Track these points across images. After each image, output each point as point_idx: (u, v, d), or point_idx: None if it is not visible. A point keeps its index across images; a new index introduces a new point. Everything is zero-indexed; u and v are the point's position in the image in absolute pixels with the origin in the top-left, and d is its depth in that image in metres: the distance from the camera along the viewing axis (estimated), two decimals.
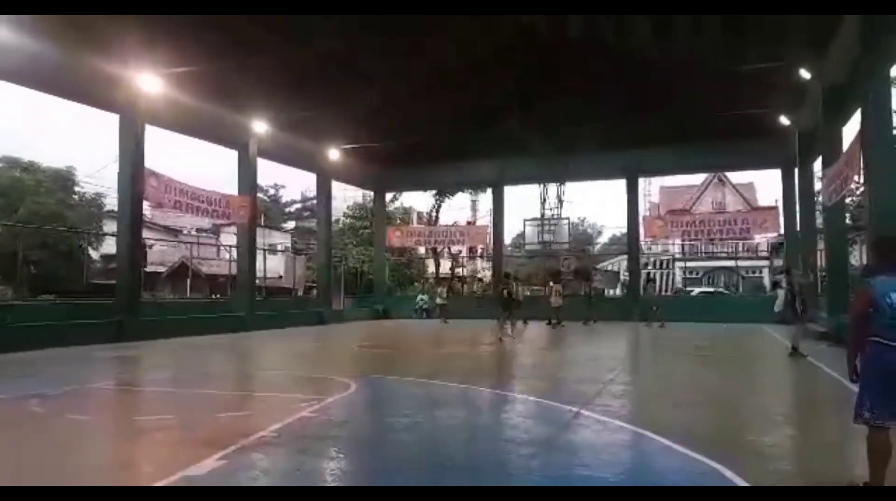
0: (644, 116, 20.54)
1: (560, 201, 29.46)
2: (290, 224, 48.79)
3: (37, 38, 13.99)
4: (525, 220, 29.17)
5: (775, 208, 26.41)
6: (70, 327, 14.74)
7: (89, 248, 26.74)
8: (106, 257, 27.03)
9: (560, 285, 22.52)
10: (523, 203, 69.92)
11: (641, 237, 27.31)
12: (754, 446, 5.36)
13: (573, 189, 53.04)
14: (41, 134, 58.53)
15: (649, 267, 38.49)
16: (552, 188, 28.63)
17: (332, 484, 4.44)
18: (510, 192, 29.33)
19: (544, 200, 28.64)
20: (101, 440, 5.90)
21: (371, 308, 28.05)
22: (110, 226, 24.74)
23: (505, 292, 17.87)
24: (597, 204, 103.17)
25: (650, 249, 40.68)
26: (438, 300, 26.71)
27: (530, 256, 37.88)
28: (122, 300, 16.60)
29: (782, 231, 24.53)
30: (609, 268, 43.09)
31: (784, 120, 20.09)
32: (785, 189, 23.76)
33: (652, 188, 50.44)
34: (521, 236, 37.57)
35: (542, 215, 28.04)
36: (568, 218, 29.38)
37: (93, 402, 7.67)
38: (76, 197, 26.96)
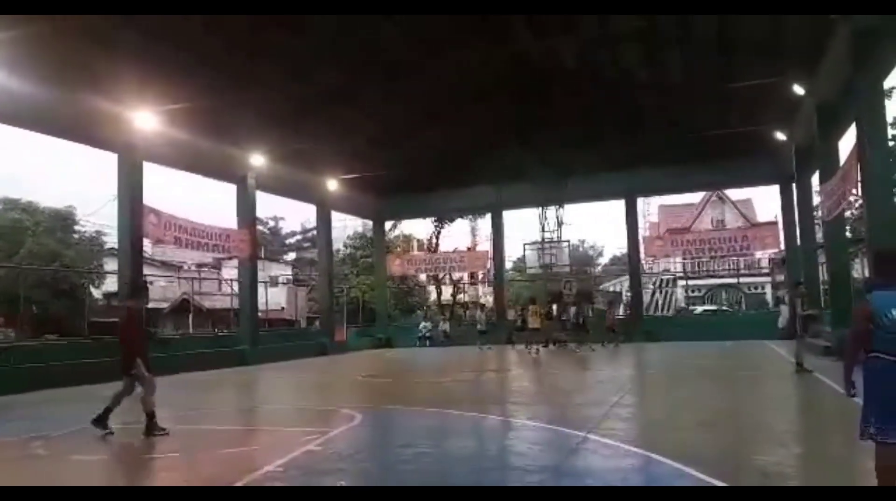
0: (640, 138, 20.74)
1: (559, 224, 29.52)
2: (291, 255, 48.89)
3: (33, 79, 14.17)
4: (525, 244, 29.20)
5: (775, 223, 26.50)
6: (73, 366, 14.68)
7: (90, 286, 26.74)
8: (108, 295, 27.02)
9: (538, 307, 21.98)
10: (523, 227, 70.05)
11: (642, 257, 27.31)
12: (761, 465, 5.32)
13: (572, 211, 53.25)
14: (39, 174, 58.98)
15: (616, 287, 38.54)
16: (551, 211, 28.71)
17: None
18: (509, 216, 29.54)
19: (543, 223, 28.69)
20: (107, 481, 5.85)
21: (373, 338, 27.95)
22: (111, 264, 24.80)
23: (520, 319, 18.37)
24: (596, 225, 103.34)
25: (651, 268, 40.69)
26: (427, 333, 26.65)
27: (532, 279, 37.88)
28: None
29: (783, 247, 24.55)
30: (612, 289, 43.04)
31: (780, 136, 20.25)
32: (784, 204, 23.86)
33: (651, 208, 50.61)
34: (522, 259, 37.63)
35: (542, 238, 28.01)
36: (568, 240, 29.37)
37: (97, 443, 7.63)
38: (76, 236, 27.05)
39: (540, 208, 28.39)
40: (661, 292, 39.59)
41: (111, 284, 24.46)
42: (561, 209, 29.15)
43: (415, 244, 42.20)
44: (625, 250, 29.69)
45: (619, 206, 26.59)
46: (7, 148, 57.71)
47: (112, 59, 13.68)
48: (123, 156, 16.83)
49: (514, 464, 5.88)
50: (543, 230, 28.47)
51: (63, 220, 26.29)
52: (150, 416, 7.45)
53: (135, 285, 8.63)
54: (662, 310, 37.97)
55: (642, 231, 31.69)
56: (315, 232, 31.37)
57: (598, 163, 23.08)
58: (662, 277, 40.79)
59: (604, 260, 60.91)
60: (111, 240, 25.46)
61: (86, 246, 27.14)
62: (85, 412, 9.53)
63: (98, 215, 39.00)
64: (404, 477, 5.42)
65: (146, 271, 20.34)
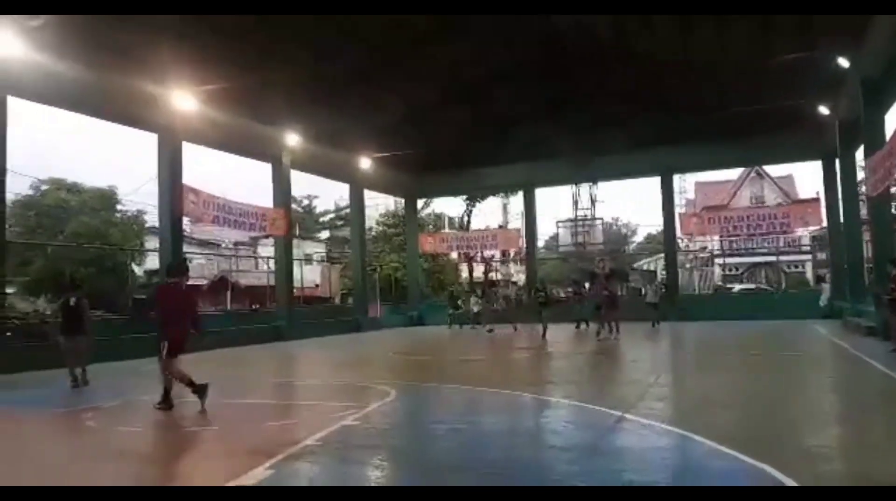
0: (676, 113, 20.26)
1: (593, 202, 29.22)
2: (325, 234, 49.32)
3: (76, 62, 14.45)
4: (558, 222, 29.04)
5: (817, 200, 25.79)
6: (120, 341, 15.15)
7: (133, 264, 27.44)
8: (149, 273, 27.71)
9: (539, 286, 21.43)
10: (555, 205, 69.28)
11: (678, 235, 26.88)
12: (804, 447, 5.26)
13: (606, 189, 52.48)
14: (83, 155, 60.37)
15: (650, 265, 37.72)
16: (584, 189, 28.41)
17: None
18: (541, 194, 29.23)
19: (577, 201, 28.43)
20: (154, 450, 6.07)
21: (406, 315, 28.18)
22: (152, 242, 25.38)
23: (541, 296, 18.17)
24: (631, 203, 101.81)
25: (688, 246, 40.04)
26: (475, 309, 26.62)
27: (564, 258, 37.62)
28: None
29: (825, 224, 23.91)
30: (646, 267, 42.54)
31: (823, 110, 19.59)
32: (826, 181, 23.16)
33: (687, 185, 49.61)
34: (555, 237, 37.40)
35: (575, 216, 27.79)
36: (601, 218, 29.13)
37: (144, 414, 7.90)
38: (118, 215, 27.68)
39: (573, 186, 28.15)
40: (697, 271, 39.00)
41: (152, 261, 25.06)
42: (594, 187, 28.90)
43: (446, 222, 42.22)
44: (660, 228, 29.27)
45: (654, 183, 26.13)
46: (52, 129, 59.13)
47: (151, 40, 13.85)
48: (163, 136, 17.18)
49: (549, 442, 5.93)
50: (577, 208, 28.29)
51: (106, 199, 26.92)
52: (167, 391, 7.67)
53: (178, 264, 8.78)
54: (699, 289, 37.44)
55: (678, 209, 31.15)
56: (348, 210, 31.60)
57: (632, 139, 22.63)
58: (699, 255, 40.16)
59: (638, 239, 60.08)
60: (152, 219, 26.01)
61: (128, 225, 27.77)
62: (130, 386, 9.90)
63: (139, 194, 39.78)
64: (439, 453, 5.51)
65: (186, 249, 20.78)
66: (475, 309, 23.42)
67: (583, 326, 19.46)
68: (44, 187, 26.23)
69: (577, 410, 7.25)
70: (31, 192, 25.76)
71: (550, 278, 34.39)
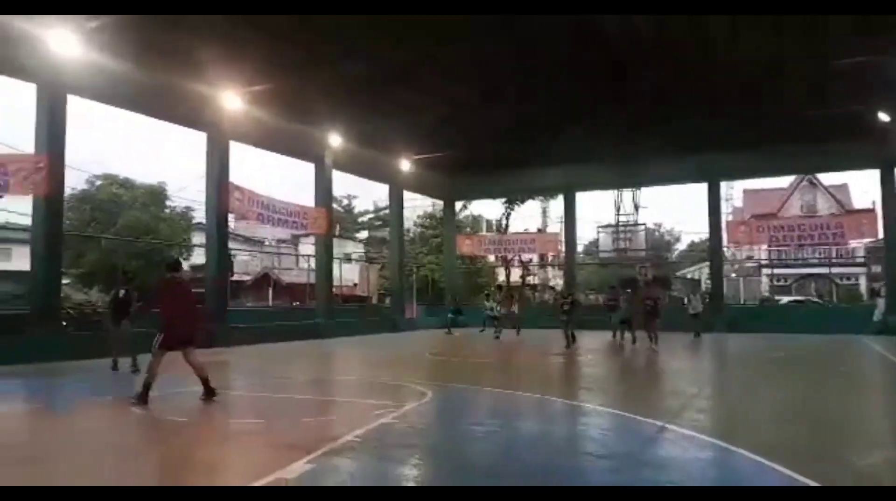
0: (726, 117, 19.79)
1: (636, 207, 28.76)
2: (363, 233, 49.79)
3: (131, 62, 14.91)
4: (599, 227, 28.82)
5: (873, 210, 24.87)
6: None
7: (180, 259, 28.11)
8: (194, 268, 28.39)
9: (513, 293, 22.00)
10: (597, 209, 68.22)
11: (724, 243, 26.28)
12: (854, 466, 5.08)
13: (650, 194, 51.52)
14: (135, 152, 62.32)
15: (694, 274, 36.58)
16: (627, 194, 27.97)
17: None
18: (582, 198, 28.95)
19: (619, 206, 28.02)
20: (199, 441, 6.21)
21: (442, 317, 28.22)
22: (198, 238, 26.00)
23: (567, 302, 17.12)
24: (675, 209, 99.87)
25: (734, 255, 39.09)
26: (492, 312, 26.42)
27: (604, 264, 37.16)
28: (211, 309, 17.39)
29: (881, 235, 23.05)
30: (689, 276, 41.68)
31: (883, 117, 18.88)
32: (884, 190, 22.32)
33: (735, 192, 48.40)
34: (595, 243, 36.97)
35: (617, 221, 27.43)
36: (644, 224, 28.69)
37: (189, 405, 8.09)
38: (167, 211, 28.47)
39: (616, 190, 27.78)
40: (743, 281, 38.03)
41: (198, 256, 25.66)
42: (638, 192, 28.45)
43: (484, 225, 42.14)
44: (704, 236, 28.67)
45: (700, 189, 25.60)
46: (105, 127, 61.15)
47: (201, 42, 14.20)
48: (212, 135, 17.62)
49: (587, 449, 5.85)
50: (619, 213, 27.94)
51: (156, 195, 27.71)
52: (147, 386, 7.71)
53: (177, 260, 9.04)
54: (745, 300, 36.51)
55: (725, 216, 30.45)
56: (387, 211, 31.82)
57: (679, 144, 22.22)
58: (746, 264, 39.15)
59: (681, 246, 58.91)
60: (199, 215, 26.66)
61: (176, 220, 28.54)
62: (176, 377, 10.15)
63: (187, 190, 40.85)
64: (476, 455, 5.50)
65: (230, 245, 21.21)
66: (491, 313, 23.06)
67: (619, 335, 18.84)
68: (98, 183, 27.13)
69: (617, 418, 7.14)
70: (86, 186, 26.68)
71: (590, 284, 34.01)
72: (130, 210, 25.96)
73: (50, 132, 13.92)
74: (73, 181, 24.19)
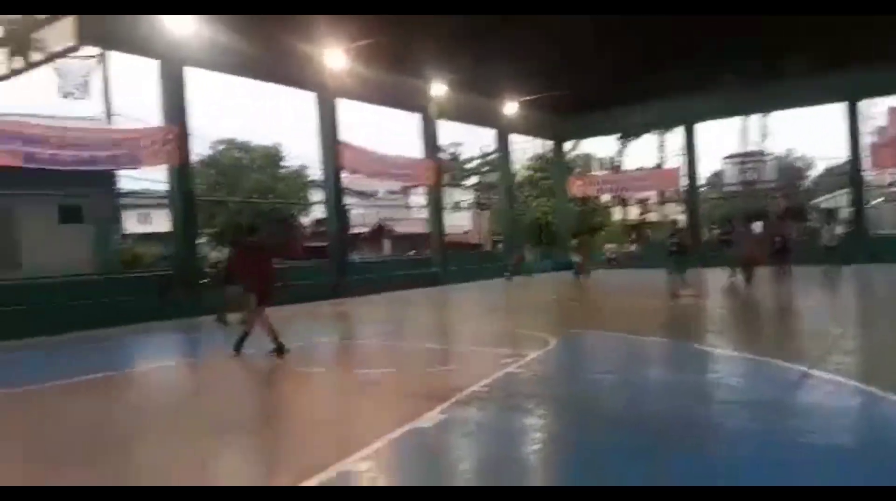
0: (867, 26, 17.59)
1: (764, 135, 26.51)
2: (472, 180, 49.73)
3: (237, 29, 15.38)
4: (723, 158, 26.99)
5: None
6: (291, 287, 16.52)
7: (300, 215, 29.60)
8: (314, 222, 29.77)
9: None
10: (719, 139, 62.82)
11: (866, 167, 23.87)
12: None
13: (780, 119, 47.40)
14: (249, 116, 65.28)
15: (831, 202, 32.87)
16: (754, 121, 25.81)
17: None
18: (703, 128, 27.15)
19: (745, 134, 25.97)
20: (335, 392, 6.55)
21: (556, 260, 27.92)
22: (316, 194, 27.10)
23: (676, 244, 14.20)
24: (808, 133, 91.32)
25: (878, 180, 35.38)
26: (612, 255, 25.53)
27: (728, 197, 34.97)
28: (334, 262, 18.24)
29: None
30: (824, 205, 38.43)
31: None
32: None
33: (878, 111, 43.30)
34: (718, 175, 34.83)
35: (743, 150, 25.53)
36: (773, 153, 26.61)
37: (320, 356, 8.58)
38: (283, 170, 29.88)
39: (740, 118, 25.83)
40: (888, 208, 34.46)
41: (317, 212, 26.83)
42: (766, 118, 26.27)
43: (596, 163, 40.74)
44: (842, 161, 26.16)
45: (837, 110, 23.24)
46: (220, 95, 64.33)
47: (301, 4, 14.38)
48: (320, 94, 18.06)
49: (724, 398, 5.61)
50: (745, 141, 26.03)
51: (273, 157, 29.13)
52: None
53: (253, 224, 9.42)
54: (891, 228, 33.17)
55: (867, 138, 27.51)
56: (494, 156, 31.52)
57: (811, 60, 20.11)
58: (892, 189, 35.42)
59: (815, 173, 54.21)
60: (313, 173, 27.75)
61: (292, 179, 29.93)
62: (306, 329, 10.75)
63: (301, 150, 42.50)
64: (604, 405, 5.42)
65: (345, 199, 21.89)
66: (575, 259, 21.85)
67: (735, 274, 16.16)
68: (220, 147, 28.82)
69: (754, 364, 6.77)
70: (209, 152, 28.43)
71: (712, 217, 32.26)
72: (251, 172, 27.48)
73: (174, 104, 14.84)
74: (197, 148, 25.85)
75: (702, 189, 32.33)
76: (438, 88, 21.23)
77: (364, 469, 3.86)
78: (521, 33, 17.61)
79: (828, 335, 8.21)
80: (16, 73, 9.37)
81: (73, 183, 14.99)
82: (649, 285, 17.77)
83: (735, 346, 7.94)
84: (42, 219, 15.34)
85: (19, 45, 8.98)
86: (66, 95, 9.82)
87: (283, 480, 3.77)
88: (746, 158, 25.44)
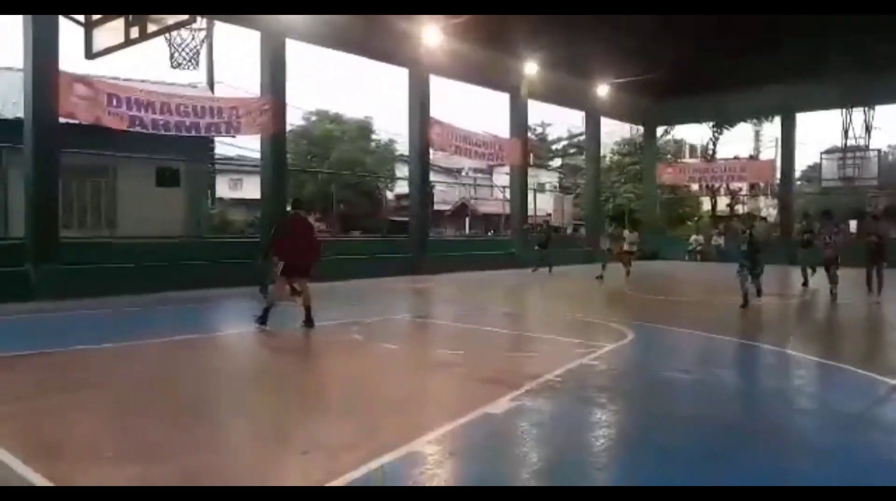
0: None
1: (867, 129, 24.62)
2: (557, 162, 49.03)
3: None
4: (822, 152, 25.42)
5: None
6: (373, 260, 17.03)
7: (385, 189, 30.22)
8: (398, 197, 30.29)
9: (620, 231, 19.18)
10: (818, 132, 58.62)
11: None
12: None
13: (884, 113, 43.99)
14: (343, 89, 66.64)
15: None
16: (858, 114, 24.04)
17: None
18: (802, 119, 25.65)
19: (847, 128, 24.25)
20: (410, 371, 6.73)
21: (640, 249, 27.23)
22: (401, 169, 27.55)
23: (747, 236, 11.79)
24: None
25: None
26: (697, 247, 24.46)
27: (825, 192, 32.93)
28: (415, 239, 18.59)
29: None
30: None
31: None
32: None
33: None
34: (815, 168, 32.81)
35: (844, 145, 23.90)
36: (878, 149, 24.77)
37: (399, 331, 8.85)
38: (373, 144, 30.48)
39: (843, 110, 24.16)
40: None
41: (401, 186, 27.25)
42: (871, 111, 24.43)
43: (686, 151, 39.23)
44: None
45: None
46: (316, 68, 65.98)
47: None
48: (413, 70, 18.29)
49: (802, 405, 5.45)
50: (846, 136, 24.35)
51: (363, 130, 29.75)
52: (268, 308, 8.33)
53: (296, 199, 9.45)
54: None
55: None
56: (581, 138, 30.95)
57: None
58: None
59: None
60: (401, 148, 28.15)
61: (381, 153, 30.50)
62: (384, 305, 11.07)
63: (392, 123, 43.14)
64: (678, 404, 5.36)
65: (431, 176, 22.13)
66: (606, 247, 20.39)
67: (809, 276, 14.65)
68: (312, 118, 29.67)
69: (838, 372, 6.50)
70: (302, 122, 29.32)
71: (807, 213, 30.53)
72: (341, 144, 28.19)
73: (273, 75, 15.40)
74: (291, 118, 26.72)
75: (798, 183, 30.64)
76: (530, 67, 21.05)
77: (431, 451, 4.02)
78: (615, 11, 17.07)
79: None
80: (131, 42, 9.94)
81: (171, 147, 15.66)
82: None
83: (816, 352, 7.61)
84: (140, 180, 16.06)
85: (138, 16, 9.52)
86: (176, 66, 10.34)
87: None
88: (847, 154, 23.79)
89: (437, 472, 3.70)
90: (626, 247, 18.33)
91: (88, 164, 15.66)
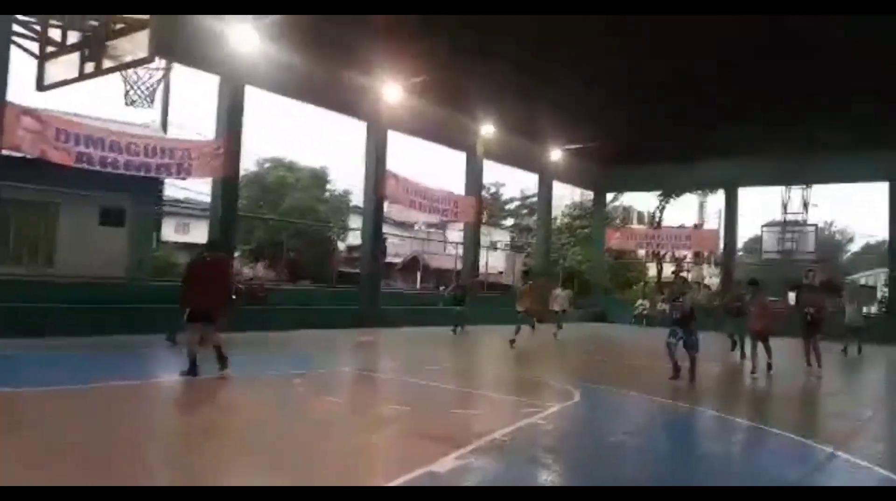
0: None
1: (805, 205, 26.08)
2: (509, 221, 49.89)
3: (302, 55, 15.88)
4: (762, 225, 26.61)
5: None
6: (320, 311, 16.72)
7: (338, 240, 30.00)
8: (350, 248, 30.09)
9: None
10: (760, 205, 62.16)
11: None
12: None
13: (821, 192, 46.82)
14: (297, 138, 66.79)
15: (868, 280, 31.84)
16: (796, 191, 25.49)
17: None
18: (745, 193, 26.99)
19: (786, 204, 25.63)
20: (351, 426, 6.46)
21: (588, 310, 27.64)
22: (354, 221, 27.47)
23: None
24: (849, 205, 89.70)
25: None
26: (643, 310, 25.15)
27: (765, 264, 34.36)
28: (364, 290, 18.37)
29: None
30: (863, 281, 37.49)
31: None
32: None
33: None
34: (756, 240, 34.26)
35: (784, 220, 25.16)
36: (815, 225, 26.12)
37: (342, 386, 8.60)
38: (327, 194, 30.39)
39: (783, 187, 25.57)
40: None
41: (353, 237, 27.11)
42: (808, 189, 25.92)
43: (634, 217, 40.48)
44: (881, 238, 25.59)
45: (880, 188, 22.87)
46: (272, 115, 66.16)
47: (366, 36, 14.83)
48: (371, 124, 18.52)
49: (747, 472, 5.47)
50: (785, 211, 25.63)
51: (318, 178, 29.67)
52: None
53: (218, 241, 9.30)
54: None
55: None
56: (534, 199, 31.61)
57: (857, 139, 19.96)
58: None
59: (854, 247, 53.14)
60: (356, 198, 28.17)
61: (335, 203, 30.40)
62: (334, 355, 10.81)
63: (347, 174, 43.23)
64: (623, 468, 5.34)
65: (384, 229, 22.14)
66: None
67: (738, 348, 14.51)
68: (267, 165, 29.46)
69: (776, 439, 6.59)
70: (255, 169, 29.08)
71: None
72: (294, 191, 27.99)
73: (229, 120, 15.31)
74: (245, 164, 26.52)
75: (740, 253, 31.90)
76: (486, 129, 21.59)
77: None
78: (571, 79, 17.81)
79: (854, 417, 7.97)
80: (85, 77, 9.74)
81: (117, 186, 15.11)
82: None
83: (760, 418, 7.73)
84: (83, 218, 15.57)
85: (94, 51, 9.37)
86: (131, 103, 10.17)
87: None
88: (786, 228, 25.01)
89: None
90: (555, 306, 18.83)
91: (30, 198, 15.07)
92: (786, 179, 24.98)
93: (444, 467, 4.72)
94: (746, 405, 9.39)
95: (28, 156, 12.36)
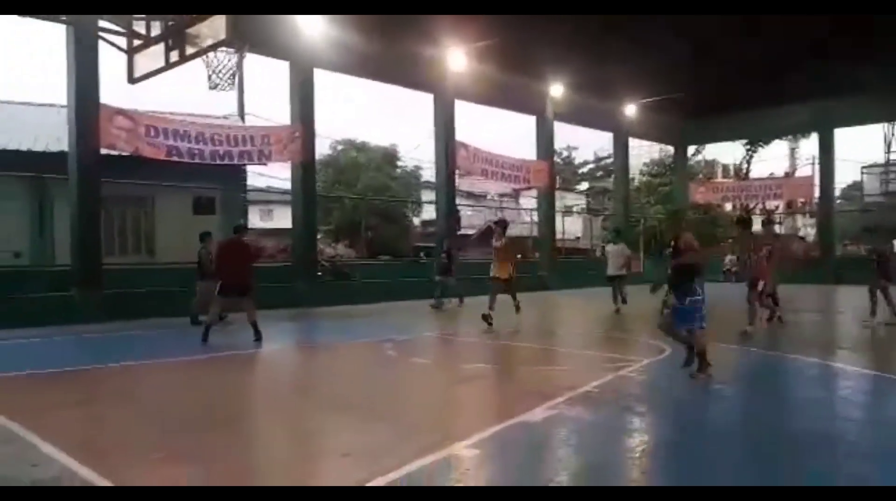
0: None
1: None
2: (584, 185, 48.87)
3: (360, 31, 15.97)
4: (862, 167, 24.90)
5: None
6: (400, 284, 17.09)
7: (412, 215, 30.38)
8: (425, 223, 30.40)
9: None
10: (858, 147, 57.29)
11: None
12: None
13: None
14: (368, 117, 67.69)
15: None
16: None
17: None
18: (841, 135, 25.14)
19: (889, 141, 23.80)
20: (442, 381, 6.71)
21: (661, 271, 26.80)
22: (427, 195, 27.71)
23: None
24: None
25: None
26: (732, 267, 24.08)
27: (866, 209, 32.19)
28: (440, 262, 18.50)
29: None
30: None
31: None
32: None
33: None
34: (855, 186, 32.19)
35: (887, 160, 23.44)
36: None
37: (431, 348, 8.77)
38: (399, 171, 30.78)
39: (885, 124, 23.72)
40: None
41: (428, 212, 27.39)
42: None
43: (719, 170, 38.74)
44: None
45: None
46: (340, 97, 67.23)
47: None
48: (438, 96, 18.46)
49: (849, 415, 5.23)
50: (889, 151, 23.87)
51: (389, 157, 30.10)
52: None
53: (238, 225, 10.15)
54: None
55: None
56: (608, 160, 30.79)
57: None
58: None
59: None
60: (427, 173, 28.38)
61: (407, 179, 30.77)
62: (415, 323, 11.04)
63: (416, 151, 43.57)
64: (713, 415, 5.21)
65: (457, 201, 22.17)
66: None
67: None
68: (339, 147, 30.11)
69: (884, 382, 6.26)
70: (329, 152, 29.77)
71: (847, 233, 29.79)
72: (368, 171, 28.51)
73: (302, 104, 15.68)
74: (319, 147, 27.15)
75: (838, 201, 29.96)
76: (556, 88, 21.11)
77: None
78: (643, 31, 17.09)
79: None
80: (171, 65, 10.22)
81: (206, 177, 16.11)
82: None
83: (867, 364, 7.31)
84: (177, 209, 16.59)
85: (177, 40, 9.81)
86: (214, 87, 10.61)
87: None
88: (890, 168, 23.29)
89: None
90: (610, 270, 14.81)
91: (129, 193, 16.09)
92: (888, 115, 23.09)
93: (536, 417, 4.75)
94: (847, 350, 8.88)
95: (123, 153, 13.15)
